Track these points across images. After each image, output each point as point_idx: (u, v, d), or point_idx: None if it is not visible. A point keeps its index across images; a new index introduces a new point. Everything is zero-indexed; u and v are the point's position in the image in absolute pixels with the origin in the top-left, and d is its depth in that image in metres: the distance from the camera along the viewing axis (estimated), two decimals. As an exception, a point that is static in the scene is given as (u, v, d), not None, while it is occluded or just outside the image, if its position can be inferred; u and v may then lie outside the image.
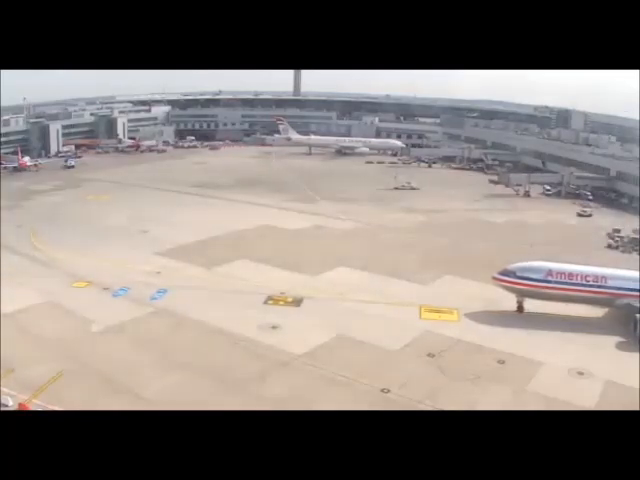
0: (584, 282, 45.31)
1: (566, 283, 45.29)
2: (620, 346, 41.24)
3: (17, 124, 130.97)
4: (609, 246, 67.65)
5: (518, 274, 45.68)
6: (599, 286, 45.16)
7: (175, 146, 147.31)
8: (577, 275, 45.57)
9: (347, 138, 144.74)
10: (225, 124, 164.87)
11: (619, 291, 44.99)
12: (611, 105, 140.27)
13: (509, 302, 46.42)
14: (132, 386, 34.21)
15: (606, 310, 46.98)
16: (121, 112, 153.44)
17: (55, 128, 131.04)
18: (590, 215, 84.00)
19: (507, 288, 46.44)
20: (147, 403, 31.94)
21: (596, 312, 46.93)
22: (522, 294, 46.22)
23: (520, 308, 46.52)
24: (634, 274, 47.60)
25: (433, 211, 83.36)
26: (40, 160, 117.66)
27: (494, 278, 46.91)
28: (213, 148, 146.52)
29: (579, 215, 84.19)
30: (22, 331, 41.31)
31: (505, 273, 46.31)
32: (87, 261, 57.05)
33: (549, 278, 45.35)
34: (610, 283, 45.18)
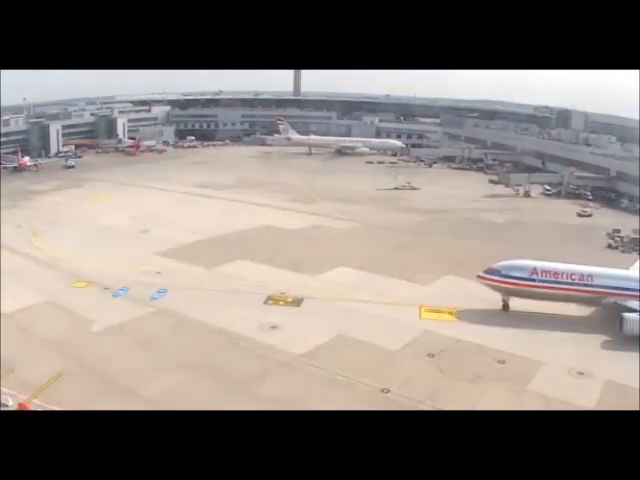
0: (570, 280, 45.10)
1: (551, 282, 45.08)
2: (612, 345, 41.02)
3: (17, 124, 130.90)
4: (609, 246, 67.64)
5: (503, 272, 45.49)
6: (585, 285, 44.97)
7: (175, 146, 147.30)
8: (563, 274, 45.34)
9: (347, 138, 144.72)
10: (225, 124, 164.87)
11: (606, 290, 44.78)
12: (611, 105, 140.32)
13: (514, 303, 46.36)
14: (132, 386, 34.19)
15: (594, 308, 46.80)
16: (121, 112, 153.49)
17: (55, 128, 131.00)
18: (590, 215, 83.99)
19: (492, 287, 46.28)
20: (147, 403, 31.95)
21: (584, 310, 46.83)
22: (507, 293, 46.02)
23: (505, 307, 46.40)
24: (621, 273, 47.41)
25: (433, 211, 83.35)
26: (40, 160, 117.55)
27: (479, 277, 46.76)
28: (129, 154, 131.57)
29: (579, 215, 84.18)
30: (22, 331, 41.30)
31: (490, 272, 46.12)
32: (87, 261, 57.07)
33: (534, 277, 45.12)
34: (596, 282, 44.98)
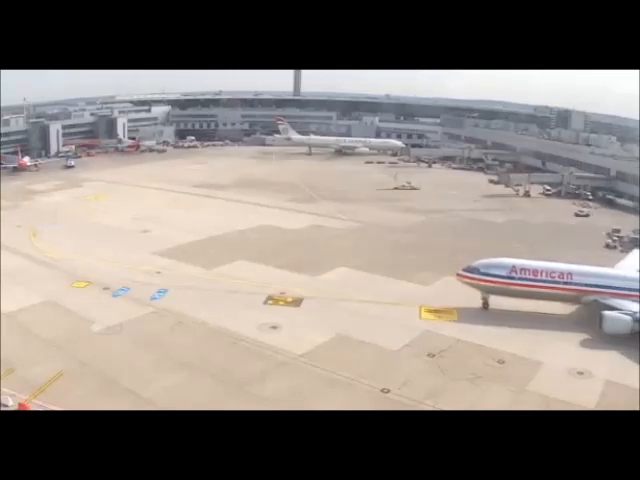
0: (549, 278, 44.94)
1: (530, 280, 44.92)
2: (608, 343, 40.85)
3: (17, 124, 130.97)
4: (607, 246, 67.66)
5: (482, 270, 45.40)
6: (565, 283, 44.81)
7: (175, 146, 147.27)
8: (542, 271, 45.17)
9: (347, 138, 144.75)
10: (225, 124, 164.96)
11: (586, 287, 44.66)
12: (611, 105, 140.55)
13: (510, 302, 46.41)
14: (132, 386, 34.18)
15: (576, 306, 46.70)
16: (121, 112, 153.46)
17: (55, 128, 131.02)
18: (587, 215, 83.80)
19: (471, 285, 46.22)
20: (147, 403, 31.95)
21: (572, 308, 46.84)
22: (486, 291, 45.93)
23: (485, 304, 46.35)
24: (601, 270, 47.15)
25: (433, 211, 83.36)
26: (40, 160, 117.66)
27: (458, 275, 46.66)
28: (90, 155, 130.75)
29: (577, 215, 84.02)
30: (22, 331, 41.29)
31: (469, 270, 46.02)
32: (87, 261, 57.04)
33: (513, 274, 44.99)
34: (576, 279, 44.84)
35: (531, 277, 45.03)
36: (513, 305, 46.31)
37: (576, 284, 44.80)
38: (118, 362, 37.37)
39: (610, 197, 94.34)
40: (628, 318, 41.25)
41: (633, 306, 42.30)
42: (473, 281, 45.96)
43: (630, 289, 43.84)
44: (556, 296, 45.29)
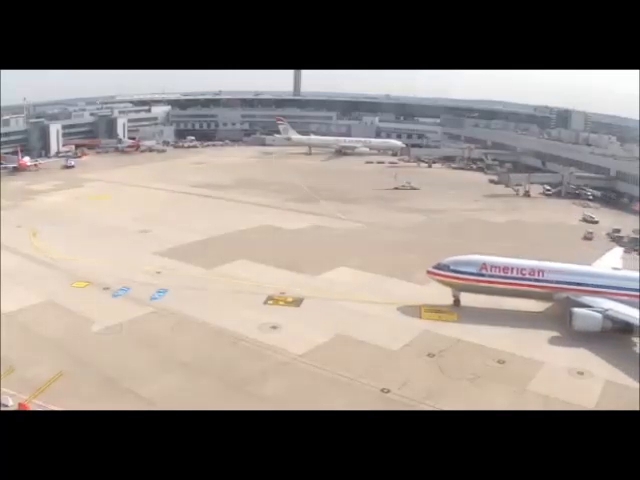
0: (519, 275, 44.87)
1: (501, 277, 44.88)
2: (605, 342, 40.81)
3: (17, 124, 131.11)
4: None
5: (452, 268, 45.38)
6: (536, 280, 44.70)
7: (175, 146, 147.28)
8: (512, 268, 45.10)
9: (347, 138, 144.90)
10: (225, 124, 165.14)
11: (557, 285, 44.57)
12: (611, 105, 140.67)
13: (510, 302, 46.44)
14: (132, 386, 34.18)
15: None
16: (121, 112, 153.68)
17: (55, 128, 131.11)
18: (597, 222, 79.05)
19: (441, 282, 46.17)
20: (147, 403, 31.94)
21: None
22: (456, 288, 45.93)
23: (456, 302, 46.32)
24: (574, 267, 47.07)
25: (433, 211, 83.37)
26: (40, 160, 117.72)
27: (429, 272, 46.63)
28: (81, 155, 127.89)
29: (585, 221, 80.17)
30: (22, 331, 41.28)
31: (439, 267, 45.95)
32: (87, 261, 57.03)
33: (483, 272, 44.99)
34: (548, 277, 44.75)
35: (501, 274, 44.93)
36: (514, 305, 46.29)
37: (547, 281, 44.72)
38: (118, 362, 37.35)
39: (610, 197, 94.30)
40: (598, 316, 41.11)
41: (605, 303, 42.17)
42: (443, 278, 45.93)
43: (602, 286, 43.77)
44: (527, 293, 45.18)
